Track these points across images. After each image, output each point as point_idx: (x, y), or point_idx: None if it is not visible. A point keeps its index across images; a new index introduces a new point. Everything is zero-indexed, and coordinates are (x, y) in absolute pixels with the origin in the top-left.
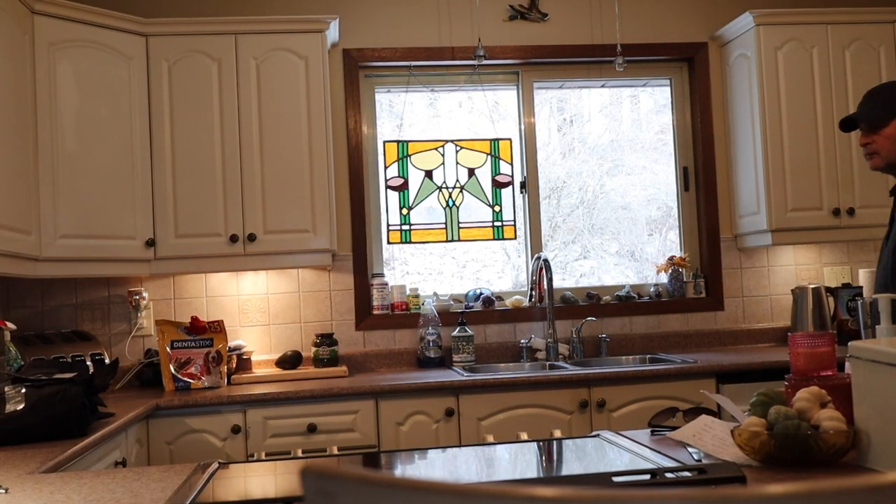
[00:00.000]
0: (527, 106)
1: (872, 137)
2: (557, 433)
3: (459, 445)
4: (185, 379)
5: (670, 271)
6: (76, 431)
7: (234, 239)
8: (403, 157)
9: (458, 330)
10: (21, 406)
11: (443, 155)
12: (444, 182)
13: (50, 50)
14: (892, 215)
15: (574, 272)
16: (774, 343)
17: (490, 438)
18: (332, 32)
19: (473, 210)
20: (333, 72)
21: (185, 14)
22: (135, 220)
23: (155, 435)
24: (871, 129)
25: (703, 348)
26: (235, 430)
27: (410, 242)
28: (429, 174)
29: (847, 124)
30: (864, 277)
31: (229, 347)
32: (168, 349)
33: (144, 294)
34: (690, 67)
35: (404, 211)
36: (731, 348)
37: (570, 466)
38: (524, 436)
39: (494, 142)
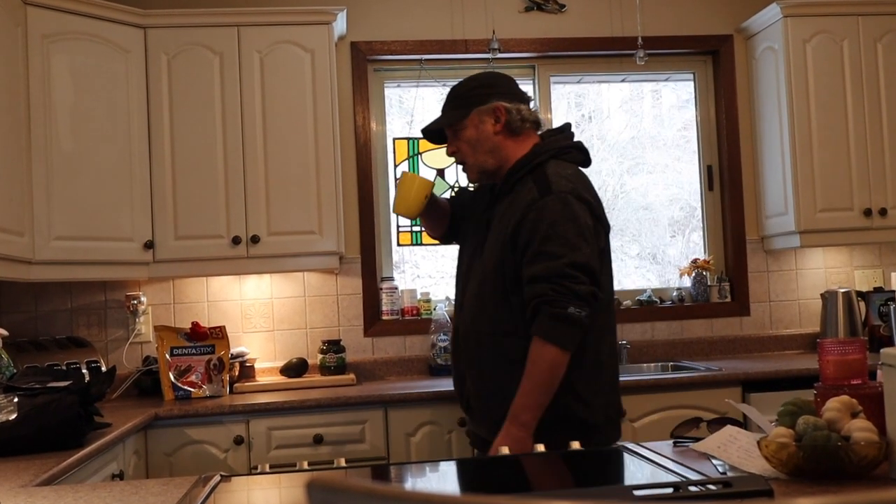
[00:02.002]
0: (543, 101)
1: (456, 144)
2: (576, 445)
3: (473, 457)
4: (186, 387)
5: (694, 275)
6: (71, 442)
7: (236, 241)
8: (414, 155)
9: None
10: (13, 416)
11: None
12: (457, 181)
13: (43, 43)
14: (487, 220)
15: None
16: (803, 350)
17: (505, 451)
18: (340, 24)
19: None
20: (341, 66)
21: (186, 5)
22: (132, 221)
23: (154, 446)
24: (454, 133)
25: (729, 355)
26: (238, 441)
27: (421, 244)
28: (441, 173)
29: (432, 133)
30: None
31: (231, 355)
32: (167, 356)
33: (143, 298)
34: (715, 61)
35: None
36: (758, 355)
37: (590, 479)
38: (541, 447)
39: None
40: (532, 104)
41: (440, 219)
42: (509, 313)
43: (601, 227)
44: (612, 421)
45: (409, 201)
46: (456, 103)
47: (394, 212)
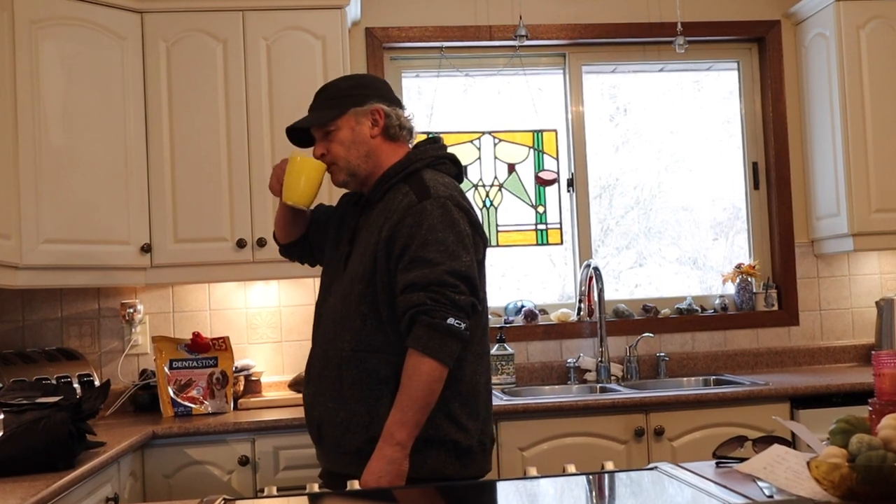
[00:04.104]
0: (574, 93)
1: (327, 146)
2: (610, 465)
3: (498, 479)
4: (186, 403)
5: (738, 281)
6: (61, 463)
7: (241, 244)
8: None
9: (496, 348)
10: None
11: (479, 148)
12: (481, 179)
13: (32, 29)
14: (353, 231)
15: (628, 282)
16: (857, 363)
17: (533, 471)
18: (353, 9)
19: (514, 211)
20: (354, 54)
21: None
22: (128, 223)
23: (151, 467)
24: (325, 135)
25: (776, 369)
26: (243, 461)
27: None
28: (465, 169)
29: (298, 135)
30: None
31: (236, 368)
32: (166, 370)
33: (139, 307)
34: (761, 49)
35: None
36: (808, 369)
37: None
38: (572, 468)
39: (538, 134)
40: (407, 112)
41: (300, 222)
42: (378, 328)
43: (479, 238)
44: (486, 449)
45: (307, 184)
46: (329, 103)
47: (285, 200)
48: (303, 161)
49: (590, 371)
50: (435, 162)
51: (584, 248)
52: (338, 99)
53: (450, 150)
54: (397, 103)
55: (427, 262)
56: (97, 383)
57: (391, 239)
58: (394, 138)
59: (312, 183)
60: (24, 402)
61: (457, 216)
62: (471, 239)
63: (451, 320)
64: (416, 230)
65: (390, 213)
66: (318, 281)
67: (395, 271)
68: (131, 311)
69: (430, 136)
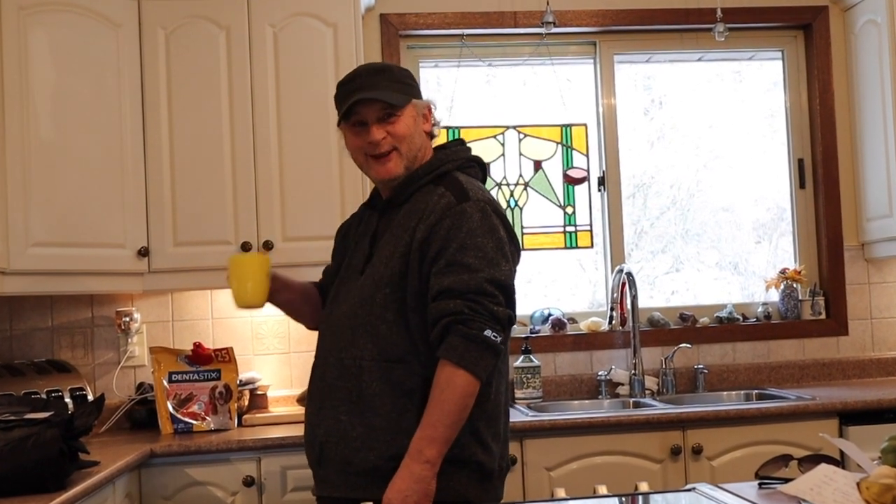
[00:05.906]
0: (606, 84)
1: (388, 128)
2: (644, 486)
3: (524, 501)
4: (187, 420)
5: (782, 287)
6: (53, 484)
7: (246, 247)
8: None
9: (521, 359)
10: None
11: (503, 144)
12: (505, 178)
13: (20, 15)
14: (373, 235)
15: (664, 288)
16: None
17: (561, 493)
18: None
19: (540, 212)
20: (368, 42)
21: None
22: (124, 225)
23: (149, 488)
24: (385, 118)
25: (823, 382)
26: (248, 482)
27: None
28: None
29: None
30: None
31: (240, 381)
32: (165, 383)
33: (136, 315)
34: (807, 37)
35: None
36: (858, 382)
37: None
38: (603, 489)
39: (566, 128)
40: None
41: (305, 304)
42: (405, 335)
43: (514, 248)
44: (503, 473)
45: (252, 287)
46: (395, 87)
47: (238, 305)
48: (241, 260)
49: (622, 384)
50: (465, 164)
51: (617, 252)
52: (402, 84)
53: (470, 145)
54: None
55: (465, 268)
56: (90, 398)
57: (427, 241)
58: (432, 139)
59: (260, 280)
60: (12, 418)
61: (496, 222)
62: (508, 247)
63: (488, 332)
64: (454, 233)
65: (425, 213)
66: None
67: (427, 275)
68: (127, 319)
69: (456, 137)
